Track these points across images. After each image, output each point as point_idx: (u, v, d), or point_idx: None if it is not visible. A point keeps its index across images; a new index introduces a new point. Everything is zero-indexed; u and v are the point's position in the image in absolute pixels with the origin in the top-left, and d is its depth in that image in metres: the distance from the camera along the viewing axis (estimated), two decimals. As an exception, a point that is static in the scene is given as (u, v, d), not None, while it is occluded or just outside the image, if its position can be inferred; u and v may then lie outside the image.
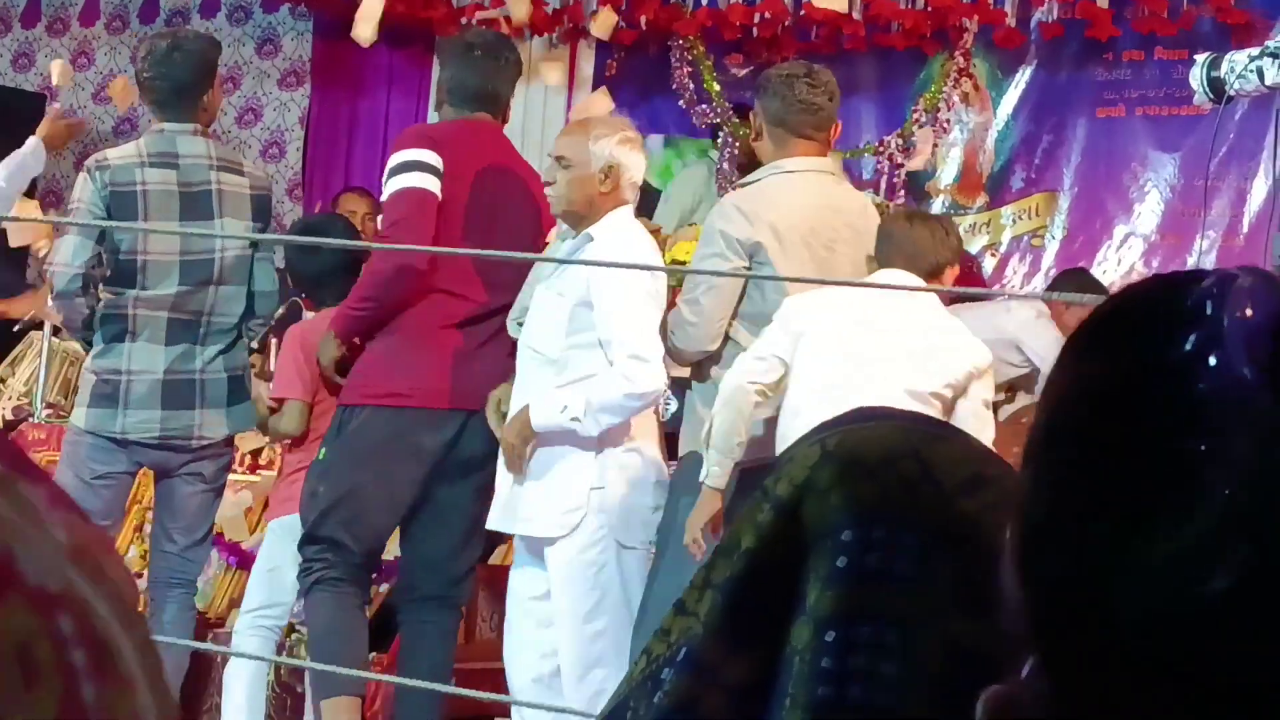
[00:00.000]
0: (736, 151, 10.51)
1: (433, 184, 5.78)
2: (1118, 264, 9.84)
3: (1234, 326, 1.02)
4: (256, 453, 7.29)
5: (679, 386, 7.20)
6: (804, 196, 5.79)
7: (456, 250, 5.68)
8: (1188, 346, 1.02)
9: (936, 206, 10.27)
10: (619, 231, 5.58)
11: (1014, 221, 10.18)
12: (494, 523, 5.73)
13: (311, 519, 5.81)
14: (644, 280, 5.48)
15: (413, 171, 5.79)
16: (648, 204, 10.54)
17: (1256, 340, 1.02)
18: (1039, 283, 9.92)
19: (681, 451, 5.93)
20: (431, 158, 5.81)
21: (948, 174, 10.34)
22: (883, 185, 10.07)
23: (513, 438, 5.50)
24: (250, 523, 7.23)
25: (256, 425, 6.40)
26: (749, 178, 5.95)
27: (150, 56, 6.17)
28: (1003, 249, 10.19)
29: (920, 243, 5.61)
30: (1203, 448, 0.99)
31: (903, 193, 10.07)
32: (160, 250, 6.00)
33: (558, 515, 5.51)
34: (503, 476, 5.63)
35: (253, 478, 7.26)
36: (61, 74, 9.57)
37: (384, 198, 5.93)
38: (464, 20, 10.27)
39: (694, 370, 6.00)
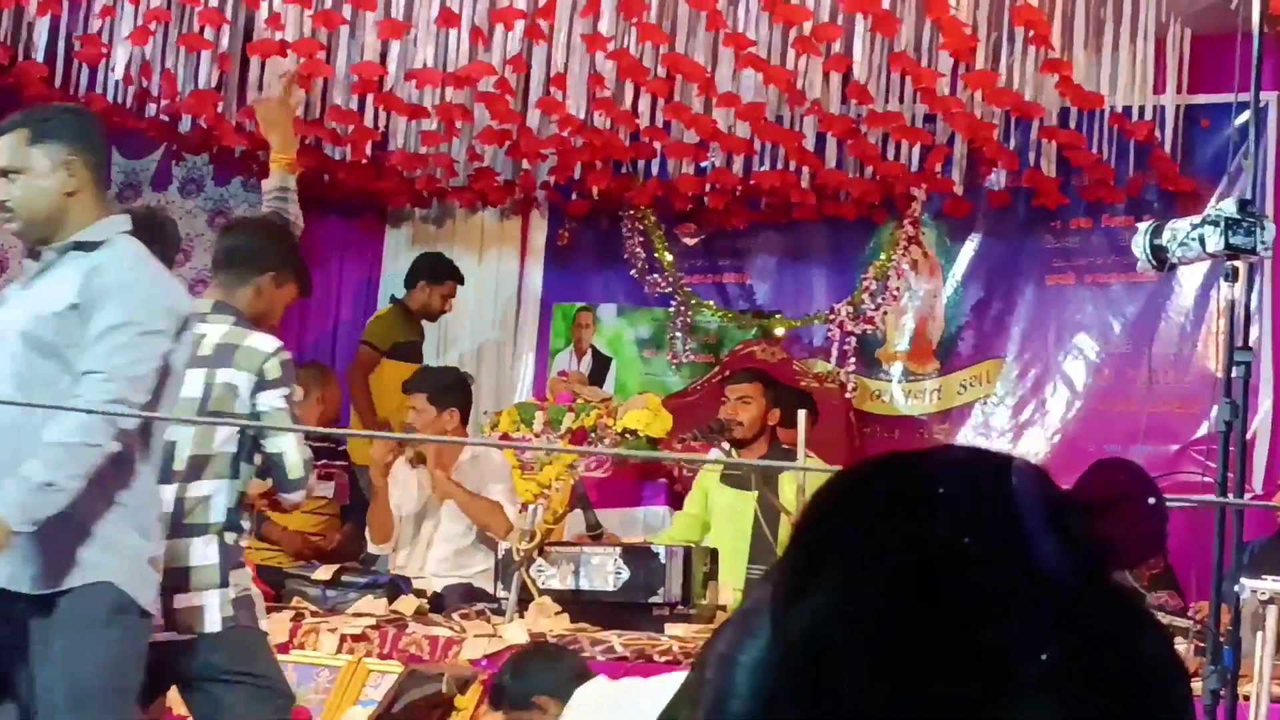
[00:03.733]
0: (688, 320, 10.56)
1: None
2: (1065, 431, 9.87)
3: (1030, 509, 1.02)
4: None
5: (629, 554, 7.18)
6: None
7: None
8: (980, 532, 1.01)
9: (891, 373, 10.33)
10: None
11: (964, 388, 10.21)
12: None
13: None
14: None
15: None
16: (599, 372, 10.60)
17: (1050, 523, 1.02)
18: (990, 447, 9.92)
19: None
20: None
21: (899, 341, 10.38)
22: (834, 352, 10.10)
23: None
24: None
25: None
26: None
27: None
28: (954, 415, 10.22)
29: None
30: (1006, 636, 0.99)
31: (853, 360, 10.11)
32: None
33: None
34: None
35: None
36: None
37: None
38: (415, 190, 10.33)
39: None
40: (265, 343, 5.66)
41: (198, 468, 5.57)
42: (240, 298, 5.81)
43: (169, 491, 5.44)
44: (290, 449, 5.67)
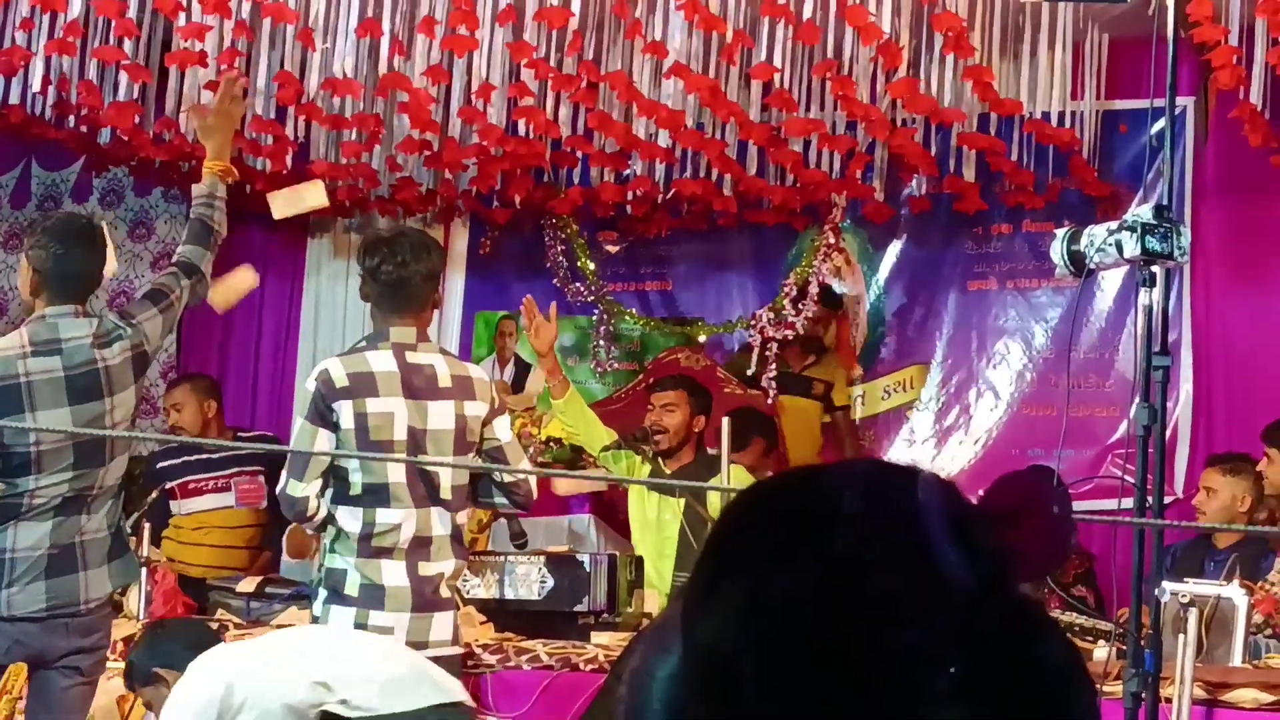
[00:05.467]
0: (611, 329, 10.55)
1: None
2: (989, 436, 9.91)
3: (934, 519, 1.03)
4: (129, 639, 7.16)
5: (555, 563, 7.17)
6: None
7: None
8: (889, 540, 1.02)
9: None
10: None
11: (888, 394, 10.24)
12: None
13: None
14: None
15: None
16: (522, 380, 10.57)
17: (953, 535, 1.02)
18: (915, 452, 9.96)
19: None
20: None
21: (822, 347, 10.39)
22: (754, 359, 10.11)
23: None
24: (123, 710, 7.10)
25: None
26: None
27: (45, 240, 6.02)
28: (878, 421, 10.25)
29: None
30: (908, 648, 0.99)
31: (774, 366, 10.11)
32: (52, 439, 5.85)
33: None
34: None
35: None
36: None
37: None
38: (337, 200, 10.28)
39: None
40: (483, 372, 6.14)
41: (464, 496, 6.00)
42: (425, 321, 6.05)
43: (444, 517, 5.90)
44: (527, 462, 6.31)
